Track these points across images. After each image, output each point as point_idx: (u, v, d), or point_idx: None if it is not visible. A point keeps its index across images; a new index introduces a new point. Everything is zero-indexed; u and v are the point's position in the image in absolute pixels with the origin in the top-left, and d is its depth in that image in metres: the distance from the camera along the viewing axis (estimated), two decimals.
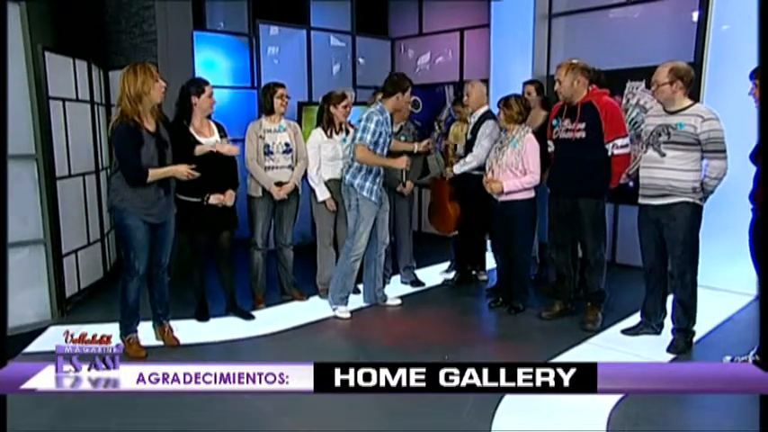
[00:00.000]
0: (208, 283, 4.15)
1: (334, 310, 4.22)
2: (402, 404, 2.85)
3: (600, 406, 2.86)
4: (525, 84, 4.77)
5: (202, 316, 4.12)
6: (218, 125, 3.98)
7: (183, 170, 3.43)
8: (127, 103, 3.26)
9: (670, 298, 3.63)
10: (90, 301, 4.48)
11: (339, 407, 2.87)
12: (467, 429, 2.71)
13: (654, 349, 3.52)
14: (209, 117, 3.95)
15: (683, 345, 3.51)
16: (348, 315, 4.18)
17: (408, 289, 4.82)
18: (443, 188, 4.69)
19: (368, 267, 4.36)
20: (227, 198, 3.91)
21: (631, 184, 3.74)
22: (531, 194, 4.09)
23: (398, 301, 4.44)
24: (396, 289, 4.76)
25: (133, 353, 3.50)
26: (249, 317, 4.16)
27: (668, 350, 3.50)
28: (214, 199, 3.86)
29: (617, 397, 2.94)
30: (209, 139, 3.85)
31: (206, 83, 3.88)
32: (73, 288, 4.35)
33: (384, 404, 2.87)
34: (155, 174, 3.34)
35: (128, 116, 3.25)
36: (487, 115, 4.43)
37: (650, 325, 3.72)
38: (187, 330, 3.86)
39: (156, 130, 3.41)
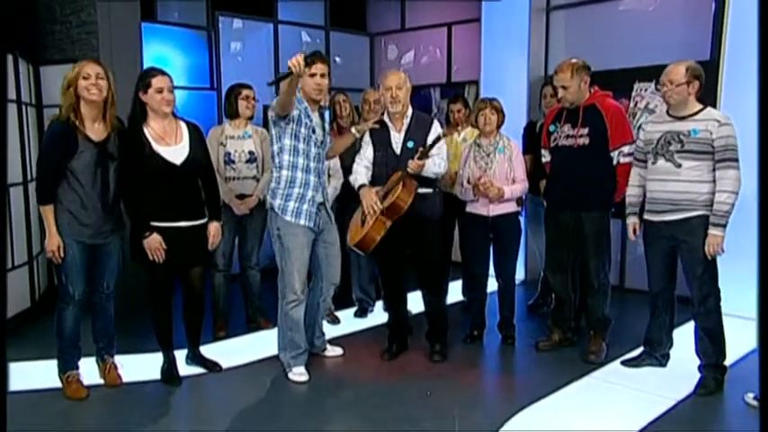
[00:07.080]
0: (174, 331, 3.69)
1: (287, 372, 3.70)
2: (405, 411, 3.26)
3: None
4: (546, 85, 4.68)
5: (172, 377, 3.63)
6: (191, 127, 3.54)
7: (52, 247, 3.24)
8: (61, 96, 3.25)
9: (682, 328, 3.59)
10: (14, 335, 4.27)
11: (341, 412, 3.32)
12: None
13: (666, 386, 3.47)
14: (178, 117, 3.53)
15: (713, 384, 3.39)
16: (304, 378, 3.63)
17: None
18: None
19: (307, 312, 3.80)
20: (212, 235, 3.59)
21: None
22: (517, 207, 4.19)
23: (339, 351, 4.09)
24: (379, 316, 4.68)
25: (72, 393, 3.40)
26: (216, 369, 3.81)
27: (696, 392, 3.38)
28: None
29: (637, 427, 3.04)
30: (169, 148, 3.40)
31: (153, 74, 3.40)
32: None
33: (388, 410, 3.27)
34: (44, 213, 3.25)
35: (63, 114, 3.22)
36: (425, 116, 3.89)
37: (654, 356, 3.69)
38: (133, 365, 3.76)
39: (104, 141, 3.30)
